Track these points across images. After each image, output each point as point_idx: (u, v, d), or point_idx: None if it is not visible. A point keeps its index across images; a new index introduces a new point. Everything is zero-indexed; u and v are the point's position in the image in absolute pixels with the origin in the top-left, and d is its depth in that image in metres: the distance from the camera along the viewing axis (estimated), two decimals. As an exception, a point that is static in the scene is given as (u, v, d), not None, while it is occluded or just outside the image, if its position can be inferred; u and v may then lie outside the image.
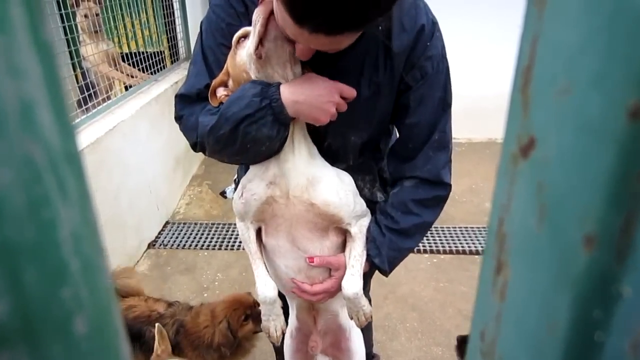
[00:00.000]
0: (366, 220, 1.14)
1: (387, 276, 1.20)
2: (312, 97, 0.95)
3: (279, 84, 0.96)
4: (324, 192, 1.04)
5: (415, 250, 2.85)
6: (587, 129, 0.16)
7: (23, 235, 0.13)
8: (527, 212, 0.20)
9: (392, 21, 0.98)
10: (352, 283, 1.09)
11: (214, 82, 1.02)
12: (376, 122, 1.12)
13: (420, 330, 2.22)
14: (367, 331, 1.57)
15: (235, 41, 0.98)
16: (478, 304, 0.28)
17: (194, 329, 1.65)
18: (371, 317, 1.18)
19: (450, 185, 1.14)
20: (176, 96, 1.09)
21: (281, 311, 1.17)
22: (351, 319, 1.18)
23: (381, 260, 1.12)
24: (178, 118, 1.10)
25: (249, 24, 0.99)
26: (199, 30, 1.09)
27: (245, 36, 0.97)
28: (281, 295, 1.31)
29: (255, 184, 1.05)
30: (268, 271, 1.16)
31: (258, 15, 0.90)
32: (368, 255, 1.12)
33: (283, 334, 1.19)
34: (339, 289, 1.13)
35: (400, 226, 1.11)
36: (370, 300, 1.61)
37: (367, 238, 1.13)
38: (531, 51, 0.20)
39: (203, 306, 1.73)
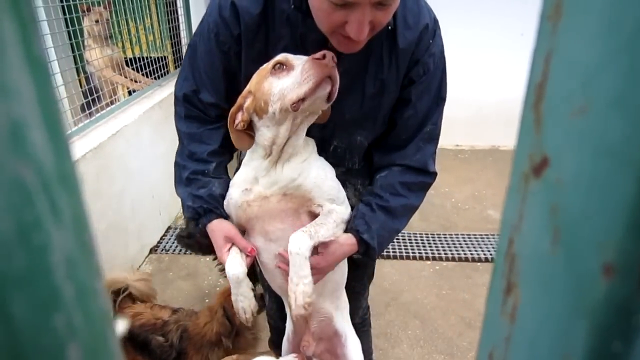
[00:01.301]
0: (341, 209, 1.13)
1: (374, 259, 1.21)
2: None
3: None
4: (300, 182, 1.07)
5: (417, 257, 2.84)
6: (606, 152, 0.15)
7: (11, 263, 0.12)
8: (539, 235, 0.19)
9: (396, 18, 1.01)
10: (298, 238, 1.03)
11: (232, 109, 1.06)
12: (381, 119, 1.14)
13: (423, 338, 2.21)
14: (366, 338, 1.56)
15: (271, 66, 0.99)
16: (487, 323, 0.28)
17: (195, 331, 1.64)
18: (369, 318, 1.17)
19: (435, 174, 1.19)
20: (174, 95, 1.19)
21: (251, 293, 1.15)
22: (288, 298, 1.07)
23: (370, 236, 1.12)
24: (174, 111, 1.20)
25: (238, 42, 1.05)
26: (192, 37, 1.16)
27: (282, 64, 0.97)
28: (279, 302, 1.31)
29: (233, 190, 1.12)
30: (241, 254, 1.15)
31: (311, 75, 0.92)
32: (357, 231, 1.12)
33: (253, 315, 1.16)
34: (327, 268, 1.12)
35: (389, 204, 1.14)
36: (369, 307, 1.60)
37: (354, 216, 1.14)
38: (544, 67, 0.19)
39: (202, 310, 1.72)
